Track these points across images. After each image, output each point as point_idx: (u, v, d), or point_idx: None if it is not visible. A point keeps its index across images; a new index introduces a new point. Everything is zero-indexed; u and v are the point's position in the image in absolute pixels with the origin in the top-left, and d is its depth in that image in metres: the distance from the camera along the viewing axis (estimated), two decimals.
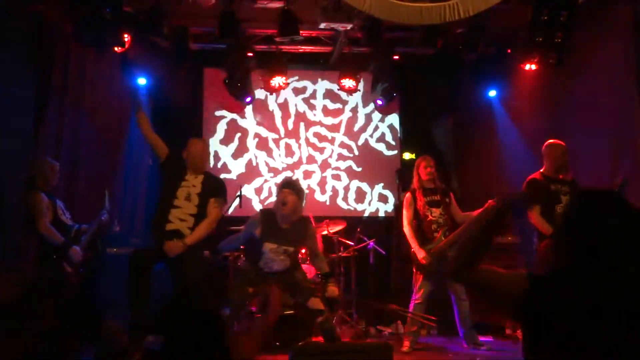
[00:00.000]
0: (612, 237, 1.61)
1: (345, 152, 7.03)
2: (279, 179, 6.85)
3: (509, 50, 6.12)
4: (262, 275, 4.21)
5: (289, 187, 4.18)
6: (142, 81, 6.18)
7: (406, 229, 4.90)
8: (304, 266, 5.37)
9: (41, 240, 4.22)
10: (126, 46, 5.30)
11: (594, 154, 5.06)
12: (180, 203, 3.99)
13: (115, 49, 5.21)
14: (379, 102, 6.56)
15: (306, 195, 4.33)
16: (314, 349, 3.55)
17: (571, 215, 1.73)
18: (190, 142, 4.23)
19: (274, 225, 4.16)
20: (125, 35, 5.21)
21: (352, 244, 5.80)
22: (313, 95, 7.05)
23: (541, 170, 4.36)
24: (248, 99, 6.37)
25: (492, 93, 6.52)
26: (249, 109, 6.87)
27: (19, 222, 4.42)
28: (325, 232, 5.75)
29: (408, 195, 5.01)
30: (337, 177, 6.99)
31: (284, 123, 6.98)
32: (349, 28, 5.37)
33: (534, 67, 5.72)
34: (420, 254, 4.80)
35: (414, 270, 4.91)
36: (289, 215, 4.15)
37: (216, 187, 4.17)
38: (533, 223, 4.29)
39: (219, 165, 6.79)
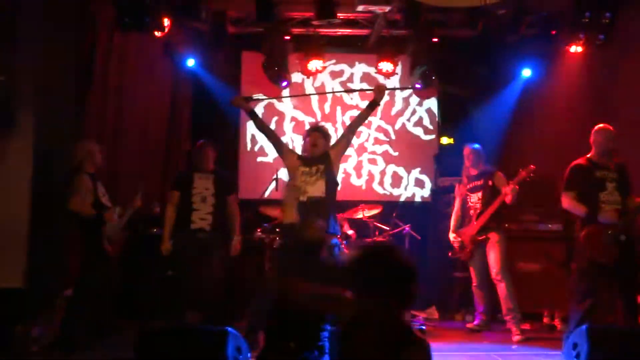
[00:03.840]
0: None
1: (381, 137, 6.98)
2: None
3: (553, 32, 5.90)
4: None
5: (320, 131, 4.36)
6: (190, 62, 6.27)
7: (452, 215, 5.23)
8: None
9: (81, 226, 4.31)
10: (166, 31, 5.36)
11: None
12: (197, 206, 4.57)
13: (156, 33, 5.28)
14: (417, 86, 6.45)
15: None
16: None
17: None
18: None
19: (305, 156, 4.36)
20: (165, 20, 5.26)
21: (388, 228, 5.78)
22: (350, 78, 6.99)
23: (588, 155, 4.23)
24: (284, 83, 6.37)
25: (527, 72, 6.34)
26: (285, 93, 6.87)
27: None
28: (360, 216, 5.75)
29: (457, 184, 5.31)
30: (373, 162, 6.95)
31: (321, 107, 6.97)
32: (387, 10, 5.28)
33: (579, 49, 5.52)
34: (450, 236, 5.13)
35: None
36: (318, 154, 4.31)
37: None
38: (565, 208, 4.20)
39: (256, 148, 6.85)
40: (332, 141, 4.42)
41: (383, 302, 1.73)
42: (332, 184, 4.26)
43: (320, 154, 4.30)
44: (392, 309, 1.73)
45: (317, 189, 4.19)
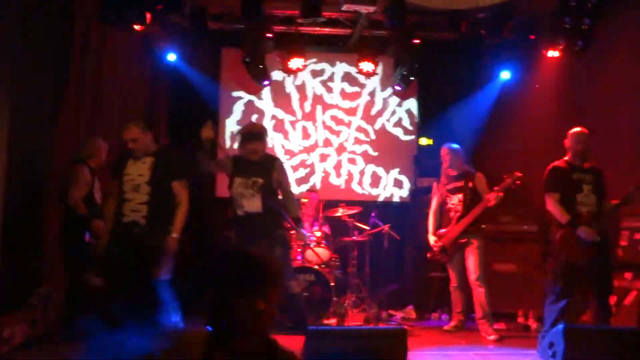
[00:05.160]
0: None
1: (361, 136, 7.00)
2: (295, 161, 6.86)
3: (532, 37, 6.00)
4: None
5: (254, 138, 4.19)
6: (171, 57, 6.17)
7: (430, 215, 5.14)
8: (318, 249, 5.40)
9: (67, 213, 4.33)
10: (147, 24, 5.25)
11: (617, 144, 4.98)
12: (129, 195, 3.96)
13: (136, 27, 5.17)
14: (398, 87, 6.49)
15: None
16: (330, 332, 3.57)
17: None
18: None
19: (243, 162, 4.21)
20: (147, 14, 5.16)
21: (367, 228, 5.80)
22: (331, 78, 7.00)
23: (565, 158, 4.31)
24: (266, 82, 6.32)
25: (505, 75, 6.43)
26: (266, 91, 6.84)
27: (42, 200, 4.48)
28: (339, 214, 5.76)
29: (434, 183, 5.23)
30: (352, 161, 6.97)
31: (301, 105, 6.95)
32: (372, 10, 5.28)
33: (557, 54, 5.63)
34: (431, 239, 5.05)
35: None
36: (257, 159, 4.21)
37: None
38: (550, 210, 4.26)
39: (235, 145, 6.75)
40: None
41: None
42: (270, 198, 4.14)
43: (260, 159, 4.17)
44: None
45: (253, 205, 4.09)
